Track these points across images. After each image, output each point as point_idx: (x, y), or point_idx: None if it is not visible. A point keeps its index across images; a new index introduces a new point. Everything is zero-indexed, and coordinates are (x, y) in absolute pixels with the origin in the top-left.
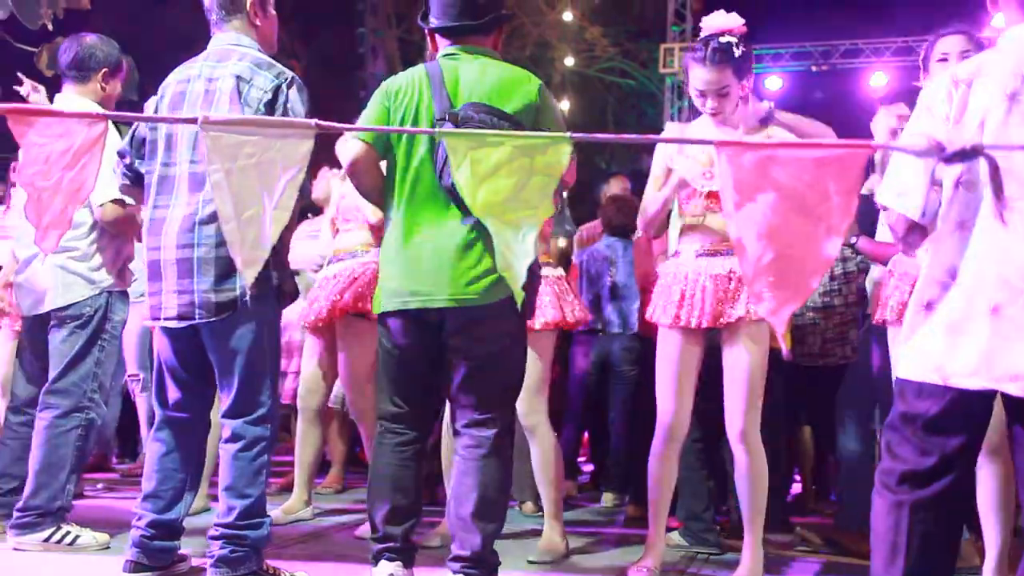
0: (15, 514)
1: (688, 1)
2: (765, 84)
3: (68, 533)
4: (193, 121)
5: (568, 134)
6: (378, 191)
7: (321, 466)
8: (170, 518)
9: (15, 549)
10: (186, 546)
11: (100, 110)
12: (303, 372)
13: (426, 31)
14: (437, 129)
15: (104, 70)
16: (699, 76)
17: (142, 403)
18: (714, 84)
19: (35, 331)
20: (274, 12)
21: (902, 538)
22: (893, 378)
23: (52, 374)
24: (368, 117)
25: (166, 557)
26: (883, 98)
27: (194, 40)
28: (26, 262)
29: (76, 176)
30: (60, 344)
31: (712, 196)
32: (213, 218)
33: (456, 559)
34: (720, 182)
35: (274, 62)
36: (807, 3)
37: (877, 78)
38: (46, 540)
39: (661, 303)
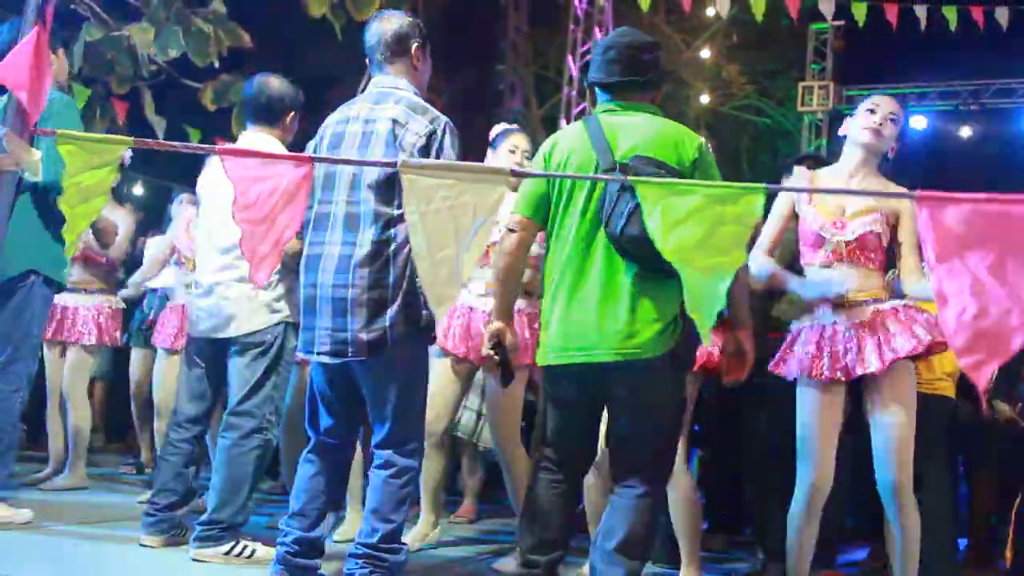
0: (198, 528)
1: (828, 39)
2: (909, 124)
3: (246, 547)
4: (393, 164)
5: (763, 185)
6: (516, 276)
7: (454, 497)
8: (314, 536)
9: (194, 560)
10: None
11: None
12: (430, 396)
13: (586, 86)
14: (629, 177)
15: (292, 113)
16: (878, 98)
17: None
18: (891, 107)
19: (207, 352)
20: (429, 57)
21: None
22: None
23: (235, 398)
24: (529, 189)
25: (307, 575)
26: None
27: (345, 78)
28: (210, 288)
29: (285, 214)
30: (243, 369)
31: (845, 247)
32: (368, 260)
33: None
34: (921, 234)
35: (429, 107)
36: (955, 41)
37: None
38: (227, 553)
39: (800, 357)
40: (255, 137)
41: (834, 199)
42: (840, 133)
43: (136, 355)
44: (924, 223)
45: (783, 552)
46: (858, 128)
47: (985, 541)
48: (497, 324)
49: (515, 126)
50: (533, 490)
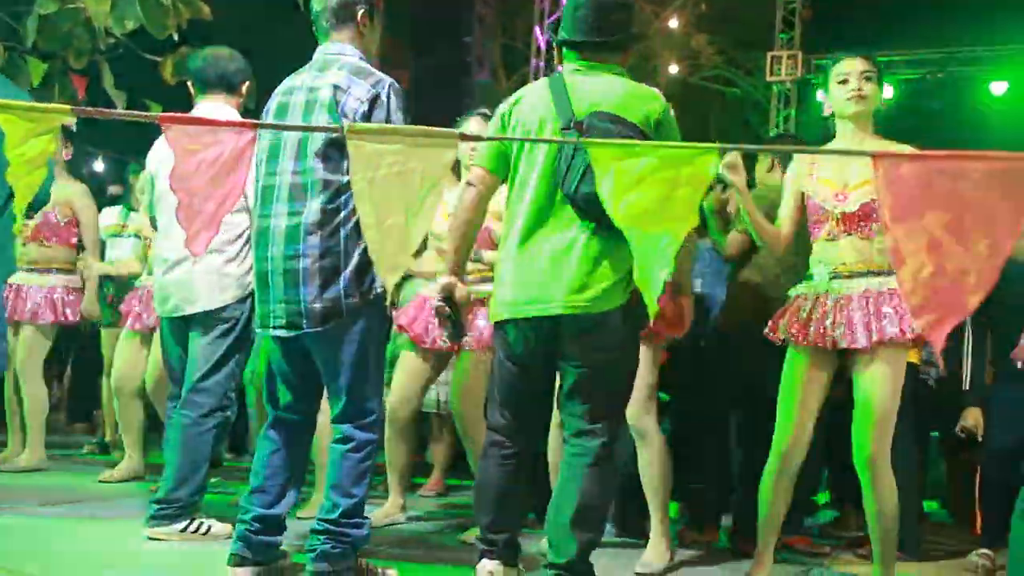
0: (154, 507)
1: (796, 9)
2: None
3: (202, 524)
4: (338, 130)
5: (717, 144)
6: (471, 231)
7: (423, 470)
8: (275, 513)
9: (150, 539)
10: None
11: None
12: (397, 381)
13: (554, 46)
14: (580, 139)
15: (247, 82)
16: (844, 65)
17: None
18: (860, 66)
19: (176, 331)
20: (379, 24)
21: None
22: None
23: (196, 374)
24: (487, 147)
25: (269, 552)
26: None
27: (305, 51)
28: (176, 263)
29: (227, 183)
30: (207, 345)
31: (846, 219)
32: (317, 228)
33: (551, 566)
34: (878, 193)
35: (373, 70)
36: (922, 10)
37: (997, 87)
38: (183, 530)
39: (791, 322)
40: (214, 106)
41: (838, 173)
42: (826, 114)
43: (106, 335)
44: (881, 181)
45: (753, 516)
46: (841, 102)
47: (963, 507)
48: (448, 279)
49: (480, 110)
50: (484, 468)
